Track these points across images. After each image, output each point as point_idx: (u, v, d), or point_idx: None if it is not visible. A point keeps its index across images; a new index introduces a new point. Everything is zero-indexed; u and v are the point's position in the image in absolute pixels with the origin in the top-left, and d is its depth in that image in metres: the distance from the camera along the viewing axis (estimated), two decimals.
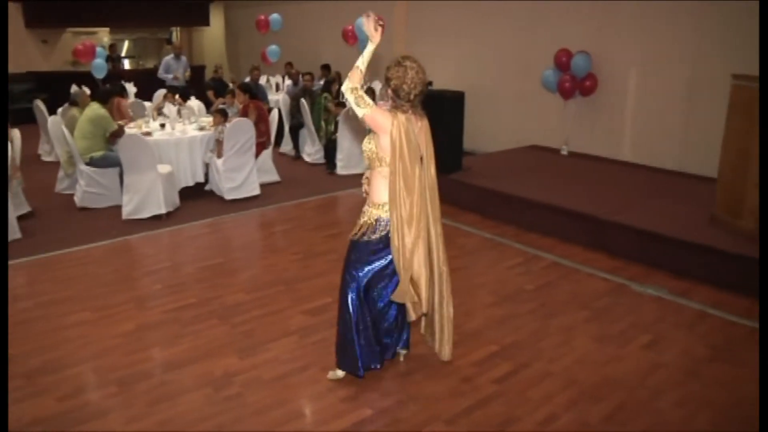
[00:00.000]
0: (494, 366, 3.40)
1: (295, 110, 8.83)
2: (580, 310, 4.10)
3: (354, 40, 9.35)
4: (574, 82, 7.26)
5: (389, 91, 2.96)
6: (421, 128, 3.02)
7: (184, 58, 10.66)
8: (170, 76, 10.13)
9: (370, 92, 8.39)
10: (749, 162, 4.54)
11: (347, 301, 3.09)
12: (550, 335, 3.76)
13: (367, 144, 3.02)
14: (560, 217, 5.46)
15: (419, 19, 10.00)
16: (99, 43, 11.98)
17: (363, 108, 2.87)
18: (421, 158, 3.01)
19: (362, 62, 2.89)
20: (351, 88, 2.86)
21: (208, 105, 9.11)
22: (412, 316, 3.10)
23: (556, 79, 7.39)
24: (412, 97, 2.92)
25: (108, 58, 10.74)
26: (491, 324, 3.89)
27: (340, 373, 3.25)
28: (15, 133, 6.14)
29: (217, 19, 16.04)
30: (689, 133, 6.62)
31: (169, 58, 10.44)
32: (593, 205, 5.46)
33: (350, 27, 9.29)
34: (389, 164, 2.92)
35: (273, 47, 11.67)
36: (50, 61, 13.40)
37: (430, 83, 9.17)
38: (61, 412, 3.00)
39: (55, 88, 11.10)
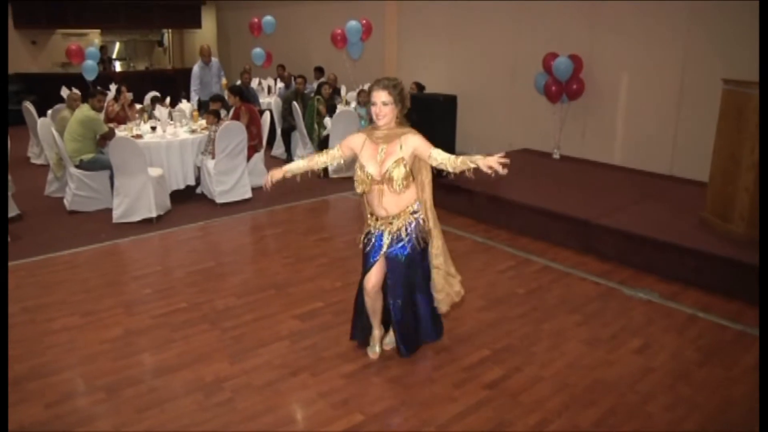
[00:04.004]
0: (486, 371, 3.39)
1: (286, 113, 8.79)
2: (571, 314, 4.11)
3: (343, 43, 9.33)
4: (560, 85, 7.27)
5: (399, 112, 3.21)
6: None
7: (215, 62, 9.24)
8: (196, 89, 9.07)
9: (363, 94, 8.38)
10: (740, 166, 4.57)
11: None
12: (541, 339, 3.76)
13: (397, 170, 3.14)
14: (552, 221, 5.47)
15: (410, 22, 10.01)
16: (90, 45, 11.85)
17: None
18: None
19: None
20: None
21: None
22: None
23: (544, 83, 7.42)
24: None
25: (99, 60, 10.56)
26: (482, 328, 3.89)
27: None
28: None
29: (208, 21, 15.99)
30: (679, 137, 6.67)
31: (196, 67, 9.20)
32: (584, 208, 5.47)
33: (339, 30, 9.27)
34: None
35: (257, 50, 11.63)
36: (39, 63, 13.29)
37: (423, 88, 9.14)
38: (48, 418, 2.96)
39: (45, 90, 10.99)
